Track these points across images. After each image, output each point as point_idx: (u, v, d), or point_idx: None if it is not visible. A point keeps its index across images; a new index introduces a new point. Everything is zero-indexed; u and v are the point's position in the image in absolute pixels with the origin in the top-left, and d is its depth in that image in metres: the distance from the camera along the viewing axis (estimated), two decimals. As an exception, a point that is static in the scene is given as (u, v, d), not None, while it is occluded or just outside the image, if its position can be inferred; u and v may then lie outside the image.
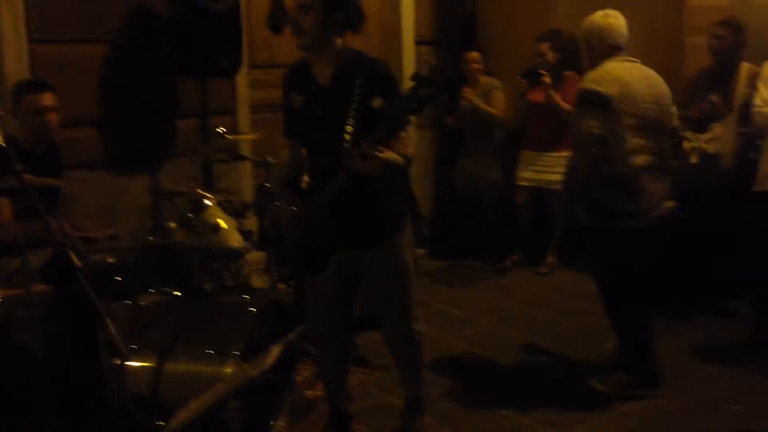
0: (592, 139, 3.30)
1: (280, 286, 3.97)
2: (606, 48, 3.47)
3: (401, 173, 2.84)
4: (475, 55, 5.52)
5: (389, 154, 2.58)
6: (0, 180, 2.64)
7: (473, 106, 5.43)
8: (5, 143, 1.79)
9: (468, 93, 5.44)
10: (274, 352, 2.01)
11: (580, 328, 4.46)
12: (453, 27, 6.14)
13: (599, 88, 3.32)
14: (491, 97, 5.46)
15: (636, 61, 3.52)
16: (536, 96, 5.16)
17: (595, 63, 3.50)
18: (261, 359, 1.99)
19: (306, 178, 3.03)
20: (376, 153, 2.50)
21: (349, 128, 2.64)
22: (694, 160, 4.39)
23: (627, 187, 3.36)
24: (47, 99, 3.45)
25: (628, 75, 3.38)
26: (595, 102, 3.31)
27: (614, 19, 3.49)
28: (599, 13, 3.55)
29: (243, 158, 4.30)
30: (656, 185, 3.42)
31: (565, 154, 5.17)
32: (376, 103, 2.63)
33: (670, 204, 3.50)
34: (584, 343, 4.20)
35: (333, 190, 2.69)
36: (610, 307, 3.66)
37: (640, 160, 3.36)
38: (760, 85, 3.80)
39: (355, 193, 2.70)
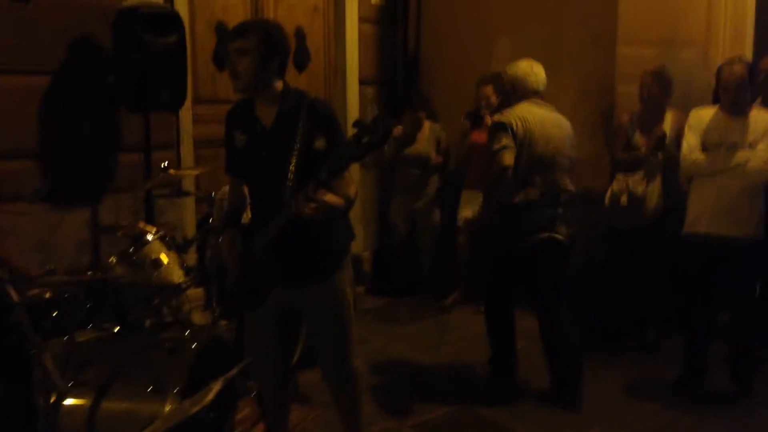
0: (502, 157, 3.76)
1: (221, 322, 3.94)
2: (525, 92, 3.91)
3: (343, 214, 2.86)
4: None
5: (331, 198, 2.62)
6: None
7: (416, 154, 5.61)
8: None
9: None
10: (215, 388, 2.00)
11: (519, 366, 4.52)
12: (396, 68, 6.28)
13: (502, 119, 3.87)
14: (440, 145, 5.72)
15: (548, 106, 3.95)
16: (478, 137, 5.30)
17: (512, 104, 3.98)
18: (201, 396, 1.97)
19: (248, 215, 3.05)
20: (319, 198, 2.55)
21: (292, 168, 2.67)
22: (623, 201, 4.58)
23: (509, 216, 3.87)
24: None
25: (529, 115, 3.84)
26: (500, 128, 3.83)
27: (537, 68, 3.96)
28: (524, 62, 3.99)
29: (186, 193, 4.28)
30: (537, 215, 3.86)
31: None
32: (319, 144, 2.67)
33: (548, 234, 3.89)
34: (524, 382, 4.26)
35: (273, 231, 2.71)
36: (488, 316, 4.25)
37: (523, 194, 3.82)
38: (688, 133, 4.01)
39: (296, 232, 2.71)
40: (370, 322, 5.32)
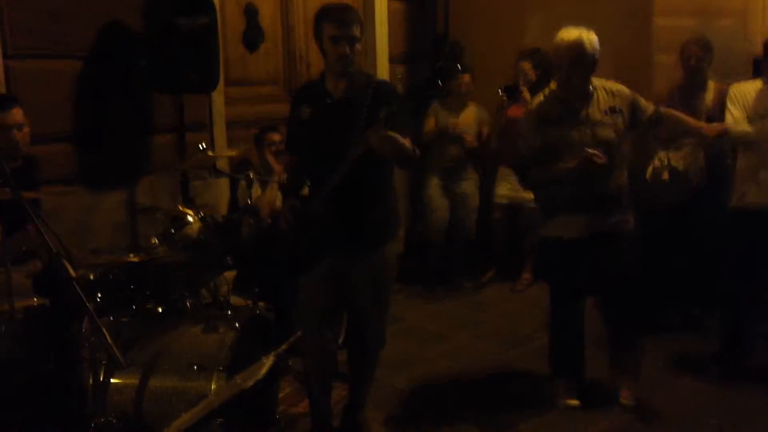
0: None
1: (260, 303, 3.94)
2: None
3: (408, 162, 2.96)
4: (467, 77, 5.53)
5: (398, 135, 2.75)
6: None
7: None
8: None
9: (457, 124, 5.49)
10: (267, 363, 2.00)
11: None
12: (426, 46, 6.22)
13: None
14: (482, 130, 5.56)
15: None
16: (515, 111, 5.25)
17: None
18: (254, 370, 1.98)
19: (306, 190, 3.14)
20: (389, 132, 2.67)
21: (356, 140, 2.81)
22: (664, 176, 4.51)
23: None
24: (12, 116, 3.39)
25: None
26: None
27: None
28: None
29: (223, 174, 4.29)
30: None
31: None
32: (382, 113, 2.74)
33: None
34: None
35: (333, 182, 2.82)
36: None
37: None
38: (731, 107, 3.93)
39: (350, 195, 2.85)
40: (405, 300, 5.30)
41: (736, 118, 3.87)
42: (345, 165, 2.79)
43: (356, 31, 2.92)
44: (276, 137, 4.70)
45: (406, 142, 2.82)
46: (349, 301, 3.19)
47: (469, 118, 5.55)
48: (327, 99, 2.98)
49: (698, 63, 4.41)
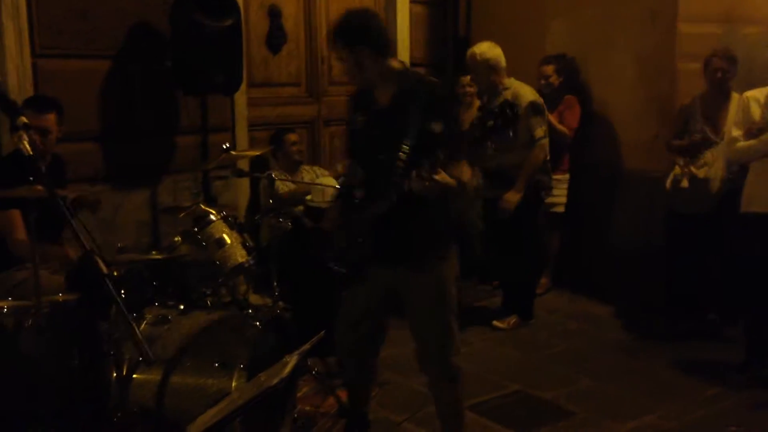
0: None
1: (279, 303, 3.97)
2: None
3: (453, 197, 2.81)
4: (466, 78, 5.53)
5: (444, 177, 2.57)
6: (13, 191, 2.68)
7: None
8: (31, 152, 1.80)
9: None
10: (291, 361, 2.02)
11: (574, 348, 4.51)
12: (447, 49, 6.24)
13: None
14: None
15: None
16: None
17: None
18: (278, 369, 2.00)
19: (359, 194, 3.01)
20: (434, 176, 2.52)
21: (405, 148, 2.65)
22: (684, 184, 4.49)
23: None
24: (45, 120, 3.39)
25: None
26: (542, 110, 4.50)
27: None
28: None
29: (246, 174, 4.33)
30: None
31: (560, 176, 5.27)
32: (437, 127, 2.60)
33: None
34: (578, 364, 4.24)
35: (380, 207, 2.71)
36: None
37: None
38: (732, 125, 3.98)
39: (402, 212, 2.70)
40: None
41: (734, 137, 3.89)
42: (392, 196, 2.66)
43: (338, 51, 2.79)
44: (294, 137, 4.75)
45: (449, 180, 2.59)
46: (410, 326, 3.01)
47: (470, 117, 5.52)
48: (373, 106, 2.84)
49: (723, 76, 4.40)
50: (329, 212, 3.03)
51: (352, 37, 2.74)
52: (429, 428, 3.42)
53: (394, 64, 2.81)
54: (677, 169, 4.56)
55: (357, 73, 2.78)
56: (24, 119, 1.85)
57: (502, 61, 4.38)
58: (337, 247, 2.93)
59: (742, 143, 3.88)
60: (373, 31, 2.76)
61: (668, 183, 4.58)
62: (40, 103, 3.53)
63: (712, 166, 4.43)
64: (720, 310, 4.71)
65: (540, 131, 4.50)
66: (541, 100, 4.64)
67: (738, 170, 4.25)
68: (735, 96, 4.41)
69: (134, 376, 2.87)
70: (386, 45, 2.80)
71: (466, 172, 2.76)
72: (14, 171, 2.77)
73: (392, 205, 2.68)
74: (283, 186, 4.52)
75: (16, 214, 3.24)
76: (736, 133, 3.92)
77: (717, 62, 4.40)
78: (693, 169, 4.47)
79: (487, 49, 4.46)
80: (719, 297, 4.68)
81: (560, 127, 5.10)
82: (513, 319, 4.86)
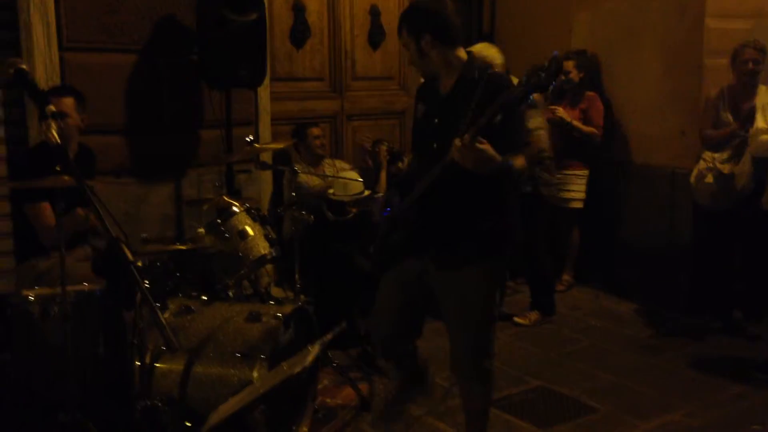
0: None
1: (301, 296, 4.00)
2: None
3: (505, 178, 2.63)
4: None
5: (487, 147, 2.41)
6: (41, 181, 2.72)
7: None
8: (60, 141, 1.82)
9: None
10: (313, 351, 2.04)
11: (596, 345, 4.48)
12: (471, 44, 6.20)
13: None
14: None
15: None
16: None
17: None
18: (300, 358, 2.02)
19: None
20: (477, 143, 2.38)
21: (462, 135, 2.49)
22: (708, 179, 4.44)
23: None
24: (62, 104, 3.40)
25: None
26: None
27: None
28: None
29: (269, 167, 4.35)
30: None
31: (579, 172, 5.25)
32: (497, 118, 2.45)
33: None
34: (600, 360, 4.22)
35: (426, 183, 2.63)
36: None
37: None
38: (759, 115, 3.91)
39: (447, 202, 2.63)
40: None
41: (760, 128, 3.83)
42: (434, 173, 2.58)
43: (402, 39, 2.76)
44: (317, 131, 4.76)
45: (494, 154, 2.43)
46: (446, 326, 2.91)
47: None
48: (435, 95, 2.76)
49: (755, 67, 4.33)
50: (383, 200, 2.96)
51: (415, 25, 2.70)
52: (450, 422, 3.43)
53: (460, 53, 2.72)
54: (702, 164, 4.51)
55: (419, 60, 2.73)
56: (52, 108, 1.87)
57: (498, 59, 4.29)
58: (380, 235, 2.85)
59: (765, 136, 3.83)
60: (438, 19, 2.68)
61: (693, 178, 4.54)
62: (58, 88, 3.59)
63: (739, 162, 4.37)
64: (744, 307, 4.65)
65: (534, 122, 4.43)
66: (537, 96, 4.60)
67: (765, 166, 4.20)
68: (763, 89, 4.36)
69: (157, 365, 2.91)
70: (451, 34, 2.70)
71: (519, 159, 2.60)
72: (42, 162, 2.81)
73: (438, 181, 2.57)
74: (308, 180, 4.54)
75: (45, 205, 3.29)
76: (762, 125, 3.86)
77: (749, 53, 4.33)
78: (718, 164, 4.42)
79: (481, 49, 4.36)
80: (744, 294, 4.62)
81: (587, 129, 5.12)
82: (534, 315, 4.85)
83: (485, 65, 2.73)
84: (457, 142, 2.42)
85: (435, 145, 2.65)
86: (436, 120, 2.73)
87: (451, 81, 2.71)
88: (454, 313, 2.81)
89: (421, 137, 2.85)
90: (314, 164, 4.71)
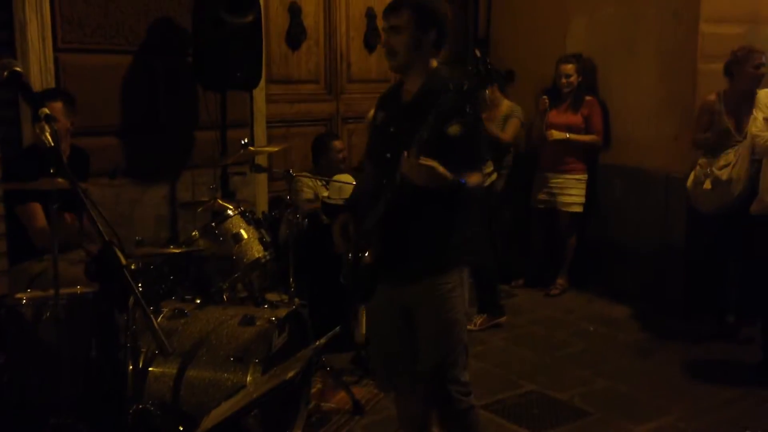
0: None
1: (296, 299, 3.99)
2: None
3: (452, 197, 2.52)
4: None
5: (434, 163, 2.33)
6: (34, 183, 2.71)
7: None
8: (53, 143, 1.81)
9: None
10: (306, 355, 2.04)
11: (590, 349, 4.48)
12: (467, 48, 6.22)
13: None
14: (507, 123, 5.27)
15: None
16: (555, 117, 5.24)
17: None
18: (292, 363, 2.01)
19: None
20: (420, 160, 2.31)
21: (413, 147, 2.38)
22: (706, 185, 4.44)
23: None
24: (50, 109, 3.39)
25: None
26: None
27: None
28: None
29: (265, 170, 4.34)
30: None
31: (579, 176, 5.26)
32: (453, 129, 2.35)
33: None
34: (595, 364, 4.22)
35: (380, 209, 2.52)
36: None
37: None
38: (757, 114, 3.91)
39: (404, 219, 2.52)
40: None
41: (759, 127, 3.84)
42: (387, 194, 2.48)
43: (398, 20, 2.53)
44: (341, 144, 4.73)
45: (442, 170, 2.34)
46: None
47: (500, 114, 5.38)
48: (396, 103, 2.64)
49: (745, 73, 4.32)
50: (333, 227, 2.72)
51: (427, 17, 2.55)
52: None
53: (434, 63, 2.62)
54: (698, 170, 4.51)
55: (408, 52, 2.55)
56: (46, 110, 1.86)
57: None
58: (346, 264, 2.68)
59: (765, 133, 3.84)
60: (444, 22, 2.60)
61: (689, 183, 4.54)
62: (47, 92, 3.57)
63: (735, 167, 4.38)
64: (738, 311, 4.66)
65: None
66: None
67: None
68: (761, 93, 4.35)
69: (150, 368, 2.90)
70: (444, 41, 2.61)
71: (475, 176, 2.52)
72: (34, 163, 2.80)
73: (390, 206, 2.48)
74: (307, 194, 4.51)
75: (37, 207, 3.27)
76: (761, 126, 3.89)
77: (759, 57, 4.32)
78: (715, 170, 4.41)
79: None
80: (738, 298, 4.63)
81: (588, 138, 5.17)
82: (480, 319, 4.76)
83: (450, 77, 2.56)
84: (406, 155, 2.35)
85: (388, 155, 2.54)
86: (392, 129, 2.62)
87: (414, 89, 2.61)
88: (423, 332, 2.66)
89: (375, 145, 2.74)
90: (332, 175, 4.59)
